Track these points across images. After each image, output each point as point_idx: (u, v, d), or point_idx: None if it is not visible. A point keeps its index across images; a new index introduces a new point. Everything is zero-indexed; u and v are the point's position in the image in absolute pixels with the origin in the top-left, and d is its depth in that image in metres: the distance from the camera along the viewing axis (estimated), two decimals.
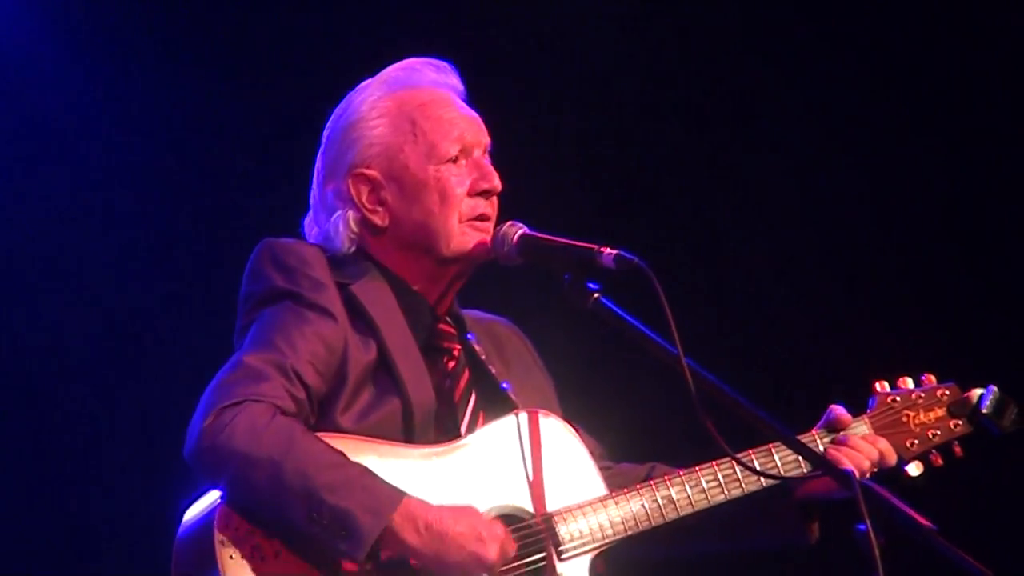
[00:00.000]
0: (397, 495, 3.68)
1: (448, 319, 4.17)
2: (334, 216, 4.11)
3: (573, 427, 4.14)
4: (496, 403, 4.09)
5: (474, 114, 4.17)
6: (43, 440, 6.28)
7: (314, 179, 4.20)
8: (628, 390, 6.21)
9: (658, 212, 6.62)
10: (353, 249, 4.10)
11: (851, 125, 6.66)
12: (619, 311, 3.79)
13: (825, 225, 6.69)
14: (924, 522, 3.49)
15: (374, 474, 3.69)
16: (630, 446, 4.37)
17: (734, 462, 4.04)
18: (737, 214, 6.72)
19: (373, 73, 4.22)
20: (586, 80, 6.66)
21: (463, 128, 4.11)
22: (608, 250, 3.79)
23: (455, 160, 4.08)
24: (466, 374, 4.12)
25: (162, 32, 6.42)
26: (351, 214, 4.10)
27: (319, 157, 4.19)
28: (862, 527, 3.44)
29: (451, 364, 4.12)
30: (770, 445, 4.11)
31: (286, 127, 6.19)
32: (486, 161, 4.12)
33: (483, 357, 4.17)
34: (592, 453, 4.18)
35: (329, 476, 3.64)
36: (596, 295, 3.81)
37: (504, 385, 4.13)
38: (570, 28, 6.62)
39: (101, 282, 6.31)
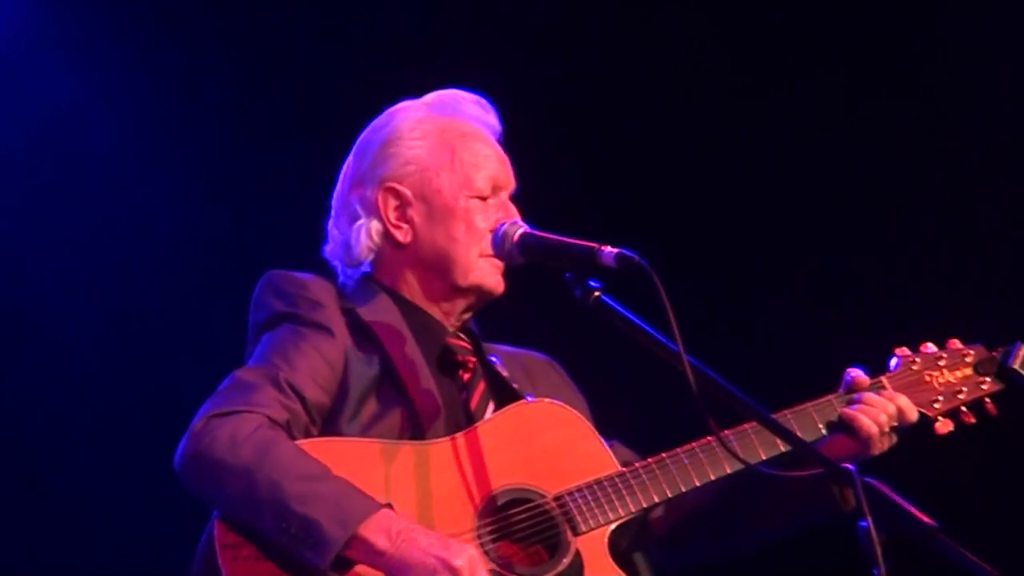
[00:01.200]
0: (372, 507, 3.71)
1: (461, 335, 4.22)
2: (357, 223, 4.19)
3: (608, 442, 4.16)
4: None
5: (506, 157, 4.25)
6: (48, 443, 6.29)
7: (340, 184, 4.27)
8: (650, 397, 6.19)
9: (659, 209, 6.62)
10: (371, 259, 4.17)
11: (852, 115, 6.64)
12: (621, 309, 3.79)
13: (829, 214, 6.67)
14: (926, 519, 3.49)
15: (351, 487, 3.73)
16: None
17: (749, 426, 4.03)
18: (740, 208, 6.71)
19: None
20: (588, 78, 6.67)
21: (497, 167, 4.19)
22: (609, 248, 3.79)
23: (484, 197, 4.16)
24: (481, 385, 4.15)
25: (172, 31, 6.44)
26: (375, 224, 4.17)
27: (350, 163, 4.26)
28: (864, 523, 3.45)
29: (466, 376, 4.15)
30: (788, 416, 4.10)
31: (298, 127, 6.22)
32: (510, 204, 4.19)
33: (505, 375, 4.21)
34: (631, 464, 4.16)
35: (300, 487, 3.68)
36: (597, 293, 3.81)
37: (529, 397, 4.16)
38: (568, 24, 6.62)
39: (107, 286, 6.33)
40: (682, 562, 4.29)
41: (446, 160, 4.17)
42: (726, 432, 4.05)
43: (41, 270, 6.35)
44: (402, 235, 4.16)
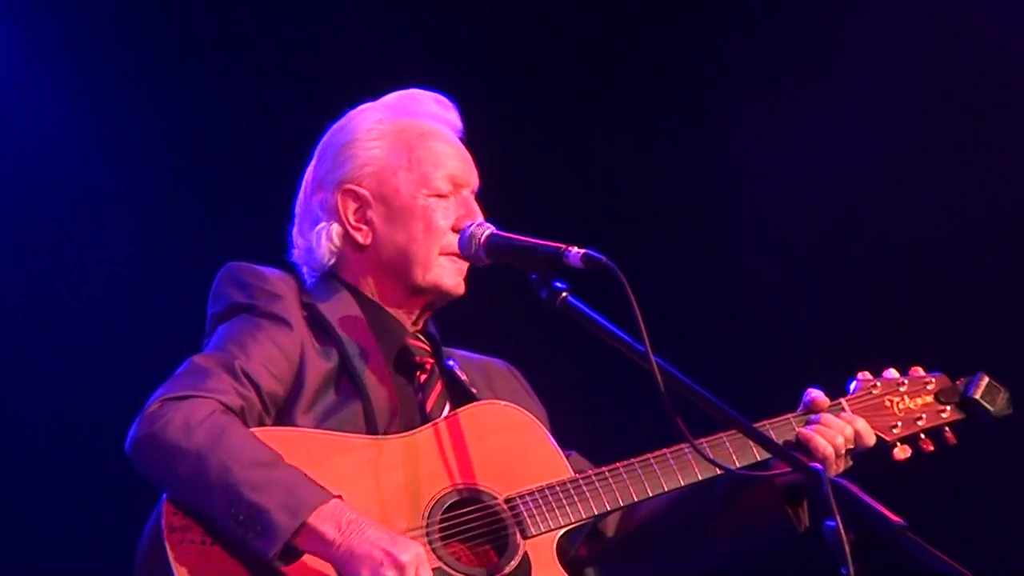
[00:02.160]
0: (322, 496, 3.68)
1: (420, 336, 4.20)
2: (318, 227, 4.18)
3: (565, 452, 4.15)
4: None
5: (467, 154, 4.24)
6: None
7: (302, 190, 4.26)
8: (613, 403, 6.20)
9: (628, 209, 6.61)
10: (332, 262, 4.16)
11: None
12: (587, 310, 3.78)
13: (803, 220, 6.66)
14: (895, 518, 3.47)
15: (304, 476, 3.71)
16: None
17: (707, 439, 4.03)
18: (711, 207, 6.70)
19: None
20: (560, 73, 6.66)
21: (456, 165, 4.18)
22: (575, 249, 3.79)
23: (445, 195, 4.14)
24: (438, 386, 4.13)
25: (154, 41, 6.43)
26: (335, 227, 4.16)
27: (310, 169, 4.25)
28: (831, 523, 3.44)
29: (423, 377, 4.13)
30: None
31: (268, 128, 6.21)
32: (472, 201, 4.17)
33: (464, 378, 4.20)
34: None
35: (252, 473, 3.67)
36: (564, 294, 3.80)
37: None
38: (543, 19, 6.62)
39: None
40: (633, 573, 4.28)
41: (403, 160, 4.16)
42: (682, 445, 4.06)
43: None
44: (362, 236, 4.15)
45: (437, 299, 4.17)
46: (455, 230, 4.11)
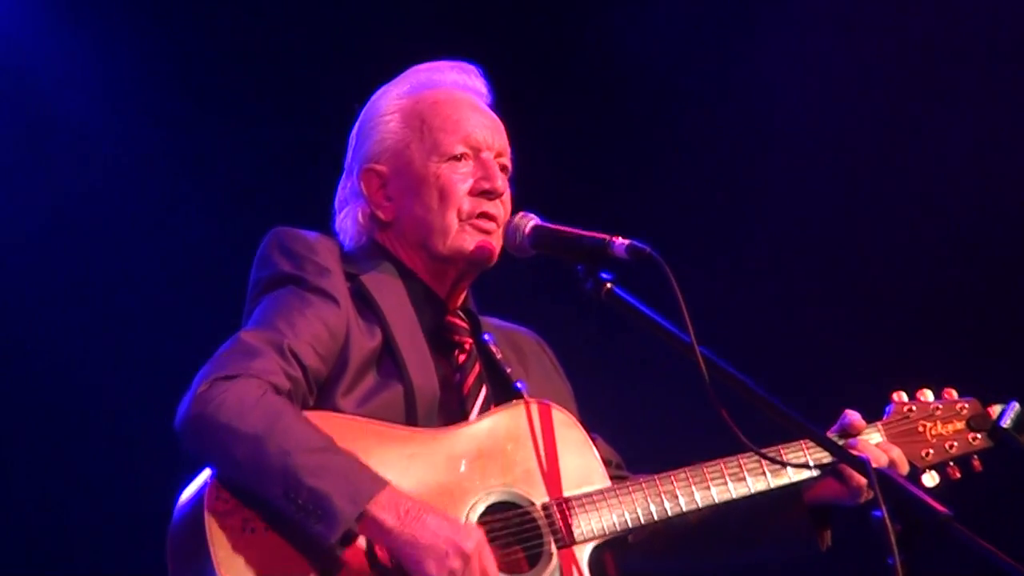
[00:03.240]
0: (379, 483, 3.66)
1: (460, 313, 4.17)
2: (348, 210, 4.16)
3: (590, 435, 4.14)
4: (509, 400, 4.07)
5: (492, 118, 4.18)
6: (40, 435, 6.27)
7: (341, 180, 4.25)
8: (648, 396, 6.19)
9: (677, 202, 6.61)
10: (364, 241, 4.13)
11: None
12: (633, 301, 3.78)
13: (861, 221, 6.64)
14: (940, 508, 3.48)
15: (359, 461, 3.68)
16: (651, 453, 4.31)
17: (743, 457, 4.04)
18: (762, 203, 6.70)
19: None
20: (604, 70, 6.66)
21: (472, 127, 4.12)
22: (620, 240, 3.80)
23: (459, 158, 4.09)
24: (476, 368, 4.11)
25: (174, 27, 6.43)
26: (361, 207, 4.15)
27: (347, 154, 4.24)
28: (878, 513, 3.44)
29: (461, 357, 4.11)
30: (780, 447, 4.07)
31: (309, 125, 6.22)
32: (493, 162, 4.11)
33: (499, 357, 4.17)
34: (608, 462, 4.18)
35: (311, 458, 3.64)
36: (609, 285, 3.80)
37: (518, 384, 4.12)
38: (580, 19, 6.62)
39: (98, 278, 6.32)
40: (652, 570, 4.26)
41: (416, 130, 4.11)
42: (717, 461, 4.05)
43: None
44: (384, 213, 4.12)
45: (467, 268, 4.11)
46: (474, 193, 4.07)
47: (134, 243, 6.41)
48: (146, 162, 6.42)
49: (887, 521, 3.43)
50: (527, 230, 4.00)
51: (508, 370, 4.15)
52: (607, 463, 4.22)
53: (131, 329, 6.35)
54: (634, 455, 4.32)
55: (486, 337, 4.19)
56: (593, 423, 4.27)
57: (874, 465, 3.94)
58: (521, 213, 4.07)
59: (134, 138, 6.42)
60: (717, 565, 4.35)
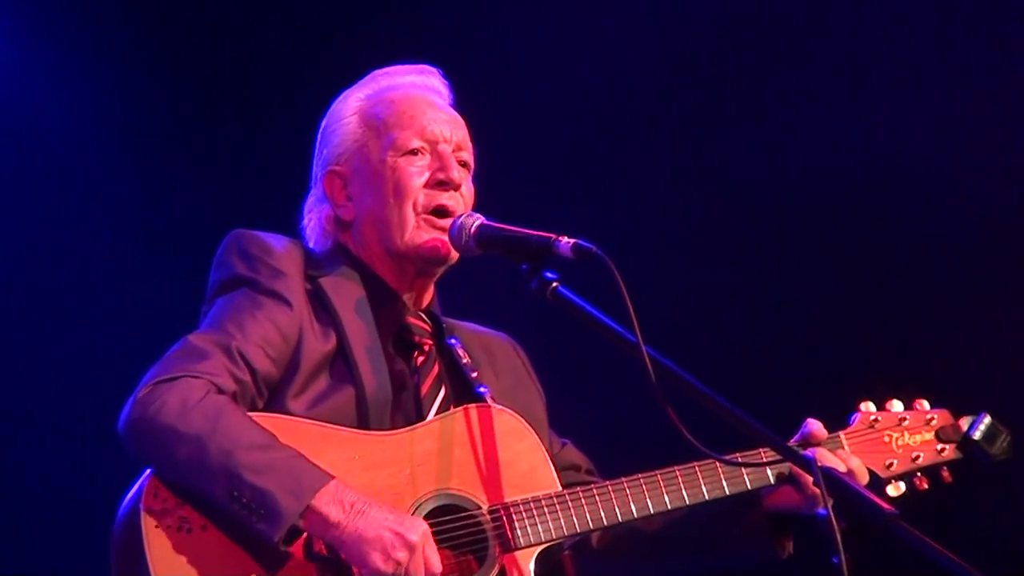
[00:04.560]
0: (322, 478, 3.66)
1: (422, 315, 4.16)
2: (313, 214, 4.19)
3: (560, 440, 4.16)
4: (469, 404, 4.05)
5: (451, 113, 4.20)
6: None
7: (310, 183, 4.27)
8: (625, 400, 6.16)
9: (633, 201, 6.59)
10: (328, 245, 4.14)
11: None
12: (578, 300, 3.76)
13: (841, 217, 6.57)
14: (886, 506, 3.47)
15: (302, 457, 3.68)
16: (626, 459, 4.25)
17: (698, 464, 4.03)
18: (715, 203, 6.66)
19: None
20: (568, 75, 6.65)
21: (427, 121, 4.13)
22: (565, 239, 3.78)
23: (415, 152, 4.10)
24: (435, 370, 4.09)
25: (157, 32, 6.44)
26: (324, 211, 4.16)
27: (312, 161, 4.25)
28: (823, 512, 3.44)
29: (420, 359, 4.10)
30: (738, 455, 4.05)
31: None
32: (450, 155, 4.11)
33: (464, 361, 4.15)
34: (577, 467, 4.20)
35: (253, 456, 3.64)
36: (554, 284, 3.78)
37: (480, 389, 4.10)
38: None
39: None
40: (612, 574, 4.24)
41: (372, 128, 4.14)
42: (672, 468, 4.03)
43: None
44: (344, 213, 4.13)
45: (425, 265, 4.10)
46: (430, 185, 4.07)
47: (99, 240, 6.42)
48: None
49: (832, 519, 3.41)
50: (472, 229, 3.99)
51: (473, 374, 4.14)
52: (576, 468, 4.24)
53: (95, 330, 6.34)
54: (607, 461, 4.30)
55: (452, 341, 4.18)
56: (566, 429, 4.27)
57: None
58: (467, 213, 4.06)
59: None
60: (680, 570, 4.34)
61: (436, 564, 3.69)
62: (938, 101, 6.39)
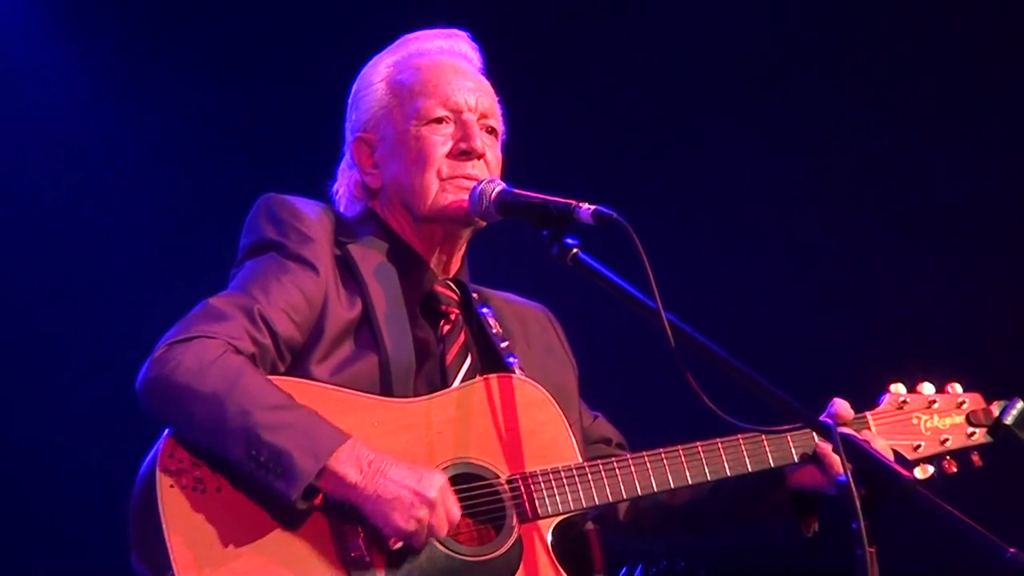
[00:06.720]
0: (339, 437, 3.67)
1: (451, 284, 4.16)
2: (343, 179, 4.21)
3: (591, 414, 4.17)
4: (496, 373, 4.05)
5: (478, 80, 4.18)
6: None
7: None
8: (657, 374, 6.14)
9: (659, 172, 6.58)
10: (359, 210, 4.15)
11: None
12: (598, 266, 3.75)
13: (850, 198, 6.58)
14: (905, 473, 3.46)
15: (319, 417, 3.69)
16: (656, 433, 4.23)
17: (722, 440, 4.01)
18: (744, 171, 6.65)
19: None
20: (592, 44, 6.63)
21: (452, 90, 4.12)
22: (586, 205, 3.77)
23: (440, 121, 4.09)
24: (461, 338, 4.09)
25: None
26: (354, 177, 4.18)
27: (343, 126, 4.26)
28: (842, 478, 3.43)
29: (446, 327, 4.09)
30: (763, 437, 4.04)
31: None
32: (474, 123, 4.10)
33: (495, 331, 4.15)
34: (608, 440, 4.21)
35: (270, 416, 3.65)
36: (575, 250, 3.78)
37: (509, 359, 4.10)
38: None
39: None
40: (638, 547, 4.26)
41: (398, 96, 4.13)
42: (695, 444, 4.01)
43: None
44: (372, 180, 4.14)
45: (448, 227, 4.10)
46: (453, 155, 4.07)
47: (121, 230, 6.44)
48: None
49: (851, 484, 3.40)
50: (493, 196, 3.99)
51: (504, 344, 4.13)
52: (607, 442, 4.24)
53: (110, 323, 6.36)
54: (640, 435, 4.27)
55: (485, 310, 4.18)
56: (597, 403, 4.26)
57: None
58: (488, 179, 4.05)
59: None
60: (707, 545, 4.37)
61: (456, 513, 3.71)
62: None
